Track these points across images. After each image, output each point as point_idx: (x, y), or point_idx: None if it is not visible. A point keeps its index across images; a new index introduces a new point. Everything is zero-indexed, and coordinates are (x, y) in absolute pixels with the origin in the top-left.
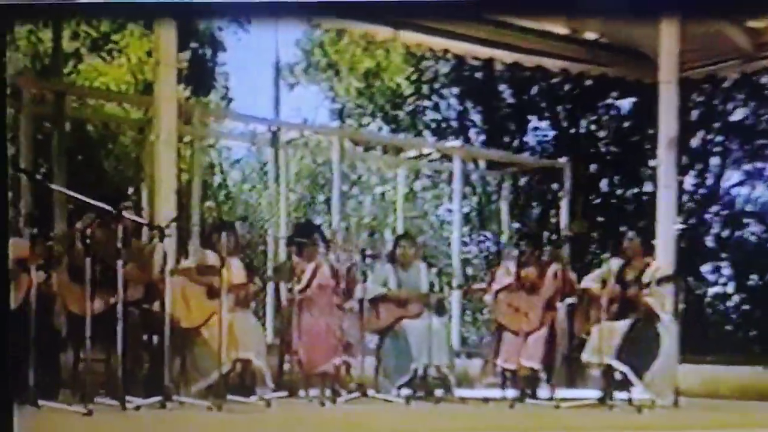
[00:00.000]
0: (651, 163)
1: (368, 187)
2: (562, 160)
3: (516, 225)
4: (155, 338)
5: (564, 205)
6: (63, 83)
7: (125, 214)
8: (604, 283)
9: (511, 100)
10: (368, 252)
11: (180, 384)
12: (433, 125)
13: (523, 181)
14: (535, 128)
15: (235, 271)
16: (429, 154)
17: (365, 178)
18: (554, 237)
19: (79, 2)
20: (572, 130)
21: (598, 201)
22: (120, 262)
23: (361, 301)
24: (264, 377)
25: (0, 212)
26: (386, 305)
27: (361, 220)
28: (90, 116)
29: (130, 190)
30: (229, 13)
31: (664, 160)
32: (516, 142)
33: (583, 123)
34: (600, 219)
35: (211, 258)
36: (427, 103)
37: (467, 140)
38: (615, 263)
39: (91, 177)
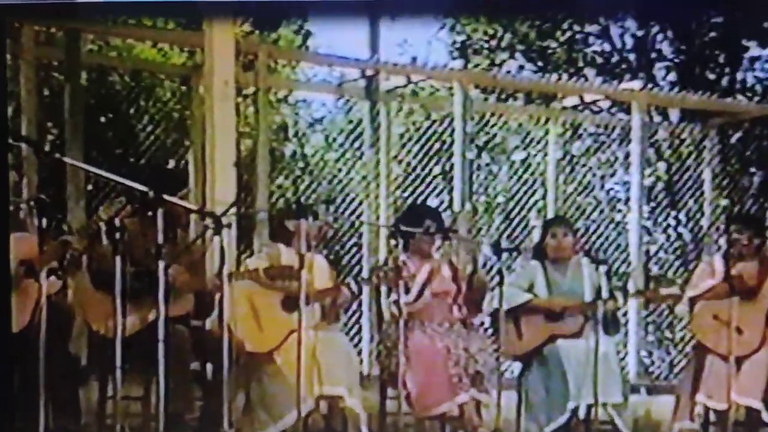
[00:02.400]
0: None
1: (505, 152)
2: None
3: (724, 202)
4: (210, 367)
5: None
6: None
7: (166, 197)
8: None
9: (716, 19)
10: (505, 244)
11: (243, 429)
12: (600, 60)
13: (735, 137)
14: (756, 58)
15: (320, 273)
16: (594, 102)
17: (500, 140)
18: None
19: (79, 2)
20: None
21: None
22: (161, 264)
23: (495, 314)
24: (358, 421)
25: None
26: (532, 319)
27: (494, 199)
28: (115, 62)
29: (172, 164)
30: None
31: None
32: (725, 81)
33: None
34: None
35: (286, 255)
36: (590, 28)
37: (651, 80)
38: None
39: (118, 146)
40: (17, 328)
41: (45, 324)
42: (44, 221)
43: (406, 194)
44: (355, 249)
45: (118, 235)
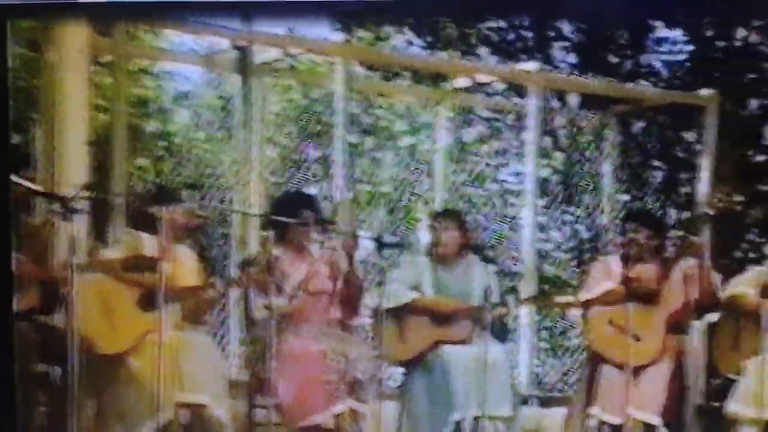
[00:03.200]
0: None
1: (391, 137)
2: (705, 92)
3: (624, 197)
4: (56, 369)
5: (705, 165)
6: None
7: (11, 177)
8: (765, 289)
9: None
10: (389, 239)
11: None
12: (495, 38)
13: (638, 126)
14: (661, 40)
15: (184, 266)
16: (488, 84)
17: (386, 124)
18: (686, 216)
19: (81, 2)
20: (722, 44)
21: (761, 159)
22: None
23: (376, 315)
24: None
25: None
26: (417, 321)
27: (378, 189)
28: None
29: (16, 139)
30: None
31: None
32: (629, 64)
33: (741, 33)
34: (763, 188)
35: (146, 245)
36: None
37: (549, 62)
38: None
39: None
40: None
41: None
42: None
43: (280, 180)
44: (223, 240)
45: None
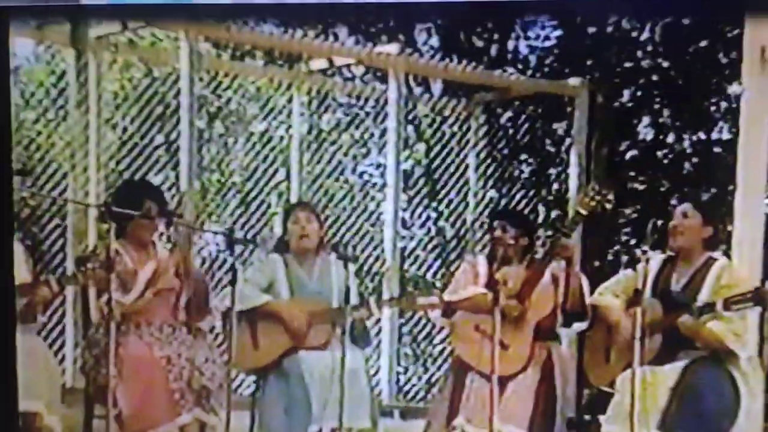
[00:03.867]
0: (730, 90)
1: (241, 121)
2: (575, 81)
3: (491, 193)
4: None
5: (574, 159)
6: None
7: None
8: (636, 295)
9: None
10: (240, 234)
11: None
12: (352, 18)
13: (505, 117)
14: (530, 24)
15: (12, 262)
16: (346, 67)
17: (236, 107)
18: (555, 215)
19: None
20: (592, 30)
21: (633, 154)
22: None
23: (225, 317)
24: None
25: None
26: (269, 325)
27: (228, 178)
28: None
29: None
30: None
31: (754, 88)
32: (494, 50)
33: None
34: (636, 185)
35: None
36: None
37: (411, 44)
38: (656, 261)
39: None
40: None
41: None
42: None
43: (121, 167)
44: (57, 233)
45: None
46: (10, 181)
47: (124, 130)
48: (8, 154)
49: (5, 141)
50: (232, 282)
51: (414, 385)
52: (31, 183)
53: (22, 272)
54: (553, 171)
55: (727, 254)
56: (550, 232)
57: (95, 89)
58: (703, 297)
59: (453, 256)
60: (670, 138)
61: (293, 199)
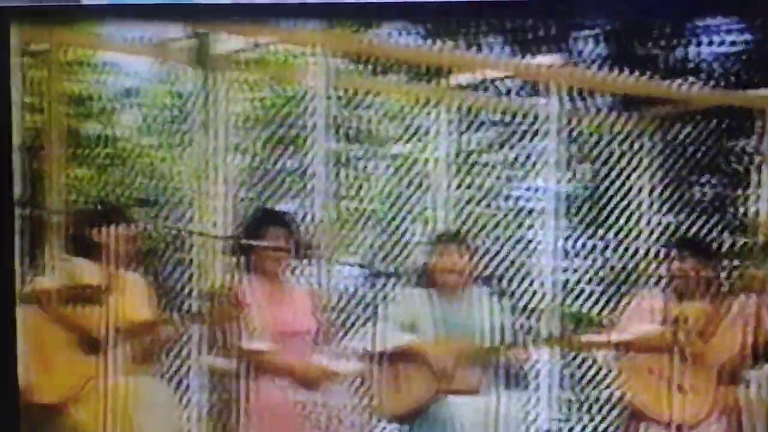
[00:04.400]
0: None
1: (381, 143)
2: (765, 92)
3: (667, 219)
4: None
5: (765, 179)
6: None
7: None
8: None
9: None
10: (380, 266)
11: None
12: (508, 25)
13: (683, 133)
14: (713, 27)
15: (134, 297)
16: (499, 81)
17: (375, 127)
18: (743, 242)
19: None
20: None
21: None
22: None
23: (366, 360)
24: None
25: None
26: (414, 367)
27: (366, 205)
28: None
29: None
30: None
31: None
32: (671, 57)
33: None
34: None
35: (88, 272)
36: None
37: (575, 54)
38: None
39: None
40: None
41: None
42: None
43: (250, 196)
44: (181, 267)
45: None
46: (10, 182)
47: (253, 155)
48: (9, 154)
49: (5, 141)
50: (372, 320)
51: None
52: (152, 214)
53: (144, 310)
54: (739, 193)
55: None
56: (736, 262)
57: (222, 111)
58: None
59: (622, 290)
60: None
61: (439, 228)
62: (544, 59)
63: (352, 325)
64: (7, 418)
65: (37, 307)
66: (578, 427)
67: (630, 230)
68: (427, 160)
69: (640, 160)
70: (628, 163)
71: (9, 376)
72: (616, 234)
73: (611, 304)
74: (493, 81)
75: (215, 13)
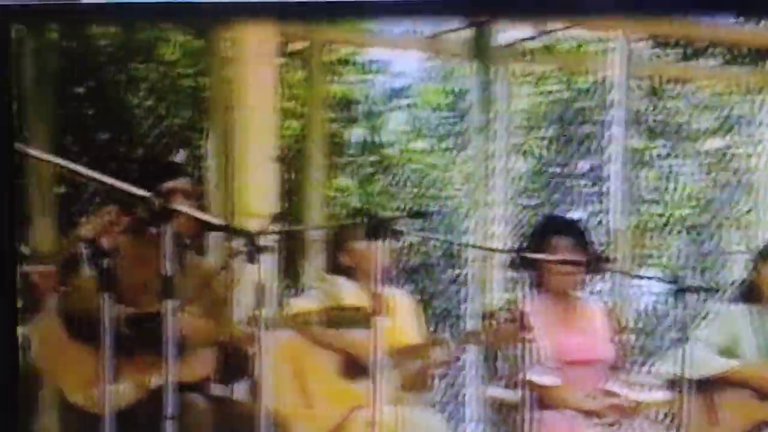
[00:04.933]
0: None
1: (690, 138)
2: None
3: None
4: None
5: None
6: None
7: (176, 204)
8: None
9: None
10: (692, 281)
11: None
12: None
13: None
14: None
15: (403, 319)
16: None
17: (684, 120)
18: None
19: (84, 3)
20: None
21: None
22: (170, 305)
23: (676, 388)
24: None
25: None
26: (735, 395)
27: (672, 211)
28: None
29: (180, 157)
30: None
31: None
32: None
33: None
34: None
35: (350, 293)
36: None
37: None
38: None
39: (103, 130)
40: None
41: None
42: None
43: (534, 202)
44: (455, 284)
45: (105, 263)
46: (10, 182)
47: (539, 157)
48: (9, 155)
49: (5, 142)
50: (681, 342)
51: None
52: (423, 226)
53: (413, 331)
54: None
55: None
56: None
57: (503, 108)
58: None
59: None
60: None
61: (766, 236)
62: None
63: (657, 348)
64: None
65: (295, 331)
66: None
67: None
68: (748, 156)
69: None
70: None
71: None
72: None
73: None
74: None
75: (216, 12)
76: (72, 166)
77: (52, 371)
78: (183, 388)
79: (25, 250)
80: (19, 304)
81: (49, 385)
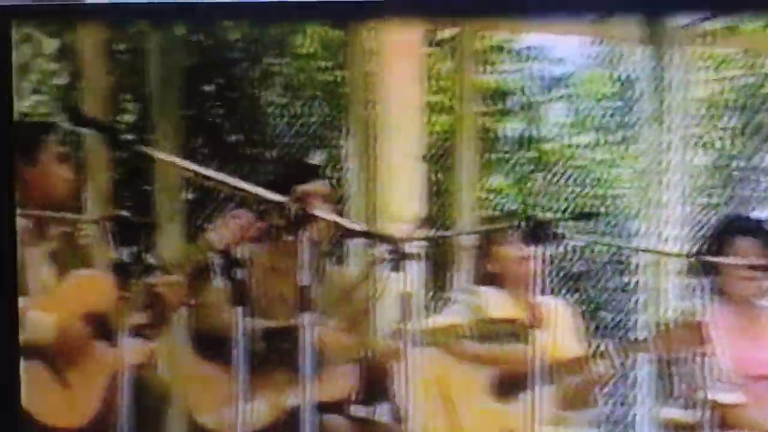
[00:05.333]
0: None
1: None
2: None
3: None
4: None
5: None
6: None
7: (313, 209)
8: None
9: None
10: None
11: None
12: None
13: None
14: None
15: (562, 331)
16: None
17: None
18: None
19: (85, 2)
20: None
21: None
22: (307, 318)
23: None
24: None
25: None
26: None
27: None
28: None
29: (318, 157)
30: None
31: None
32: None
33: None
34: None
35: (499, 304)
36: None
37: None
38: None
39: (234, 131)
40: (82, 419)
41: (126, 411)
42: (124, 251)
43: (715, 201)
44: (624, 292)
45: (238, 273)
46: (10, 183)
47: (720, 150)
48: (9, 155)
49: (5, 143)
50: None
51: None
52: (589, 228)
53: (573, 344)
54: None
55: None
56: None
57: (678, 98)
58: None
59: None
60: None
61: None
62: None
63: None
64: None
65: (441, 346)
66: None
67: None
68: None
69: None
70: None
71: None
72: None
73: None
74: None
75: (219, 12)
76: (201, 169)
77: (180, 390)
78: (321, 408)
79: (151, 259)
80: (146, 317)
81: (177, 405)
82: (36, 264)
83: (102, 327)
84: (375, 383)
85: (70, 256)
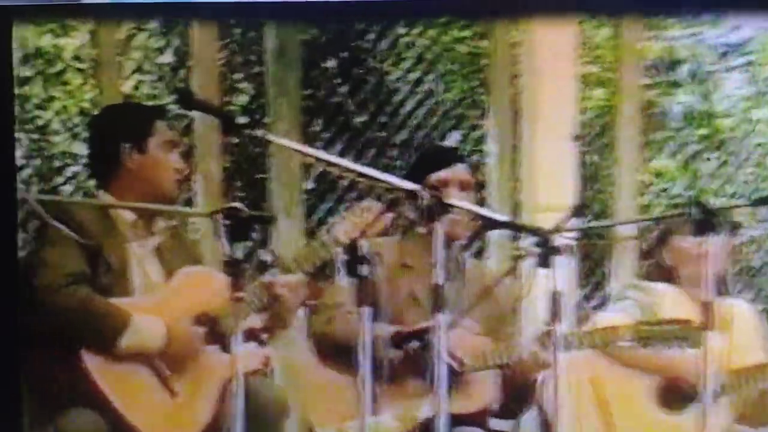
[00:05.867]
0: None
1: None
2: None
3: None
4: None
5: None
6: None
7: (450, 198)
8: None
9: None
10: None
11: None
12: None
13: None
14: None
15: (741, 334)
16: None
17: None
18: None
19: (86, 2)
20: None
21: None
22: (441, 320)
23: None
24: None
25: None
26: None
27: None
28: None
29: (455, 140)
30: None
31: None
32: None
33: None
34: None
35: (673, 301)
36: None
37: None
38: None
39: (360, 113)
40: (191, 431)
41: (241, 421)
42: (237, 247)
43: None
44: None
45: (365, 270)
46: (9, 183)
47: None
48: (10, 156)
49: (5, 143)
50: None
51: None
52: None
53: (757, 349)
54: None
55: None
56: None
57: None
58: None
59: None
60: None
61: None
62: None
63: None
64: None
65: (598, 350)
66: None
67: None
68: None
69: None
70: None
71: None
72: None
73: None
74: None
75: (220, 11)
76: (323, 155)
77: (299, 400)
78: (458, 421)
79: (266, 256)
80: (262, 320)
81: (295, 417)
82: (141, 261)
83: (213, 330)
84: (519, 393)
85: (178, 253)
